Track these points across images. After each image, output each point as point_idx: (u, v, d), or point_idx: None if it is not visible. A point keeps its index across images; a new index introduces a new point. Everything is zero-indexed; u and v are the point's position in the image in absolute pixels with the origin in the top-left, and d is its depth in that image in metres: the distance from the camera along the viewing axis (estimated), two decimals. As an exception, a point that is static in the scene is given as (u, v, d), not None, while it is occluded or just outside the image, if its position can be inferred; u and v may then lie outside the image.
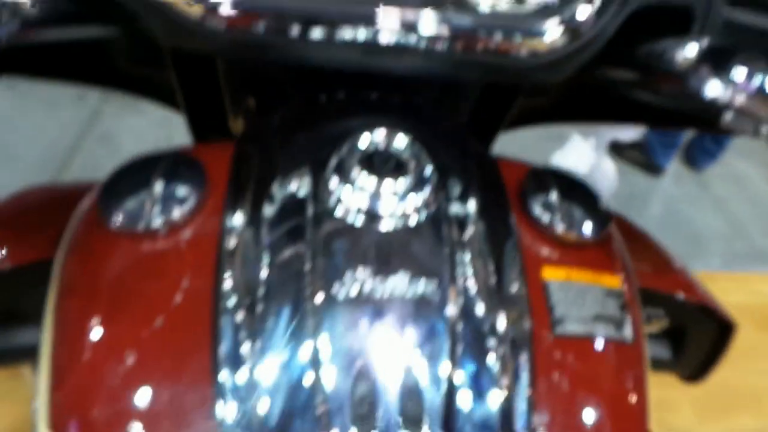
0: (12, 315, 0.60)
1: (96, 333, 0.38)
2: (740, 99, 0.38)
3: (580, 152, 2.04)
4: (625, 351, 0.43)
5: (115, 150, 1.99)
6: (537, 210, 0.46)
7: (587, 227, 0.46)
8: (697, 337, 0.69)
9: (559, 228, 0.45)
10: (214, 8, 0.38)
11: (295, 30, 0.39)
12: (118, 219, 0.41)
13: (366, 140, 0.44)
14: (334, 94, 0.51)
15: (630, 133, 2.07)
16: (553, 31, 0.40)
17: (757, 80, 0.37)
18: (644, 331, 0.47)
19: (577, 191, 0.49)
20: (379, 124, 0.45)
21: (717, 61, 0.39)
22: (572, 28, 0.40)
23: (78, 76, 0.61)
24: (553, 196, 0.47)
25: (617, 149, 2.36)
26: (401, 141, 0.44)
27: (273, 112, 0.52)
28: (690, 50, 0.41)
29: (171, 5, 0.38)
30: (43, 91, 2.14)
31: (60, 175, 1.88)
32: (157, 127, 1.87)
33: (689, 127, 0.58)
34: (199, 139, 0.67)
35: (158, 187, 0.42)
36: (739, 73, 0.38)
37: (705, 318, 0.66)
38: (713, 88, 0.39)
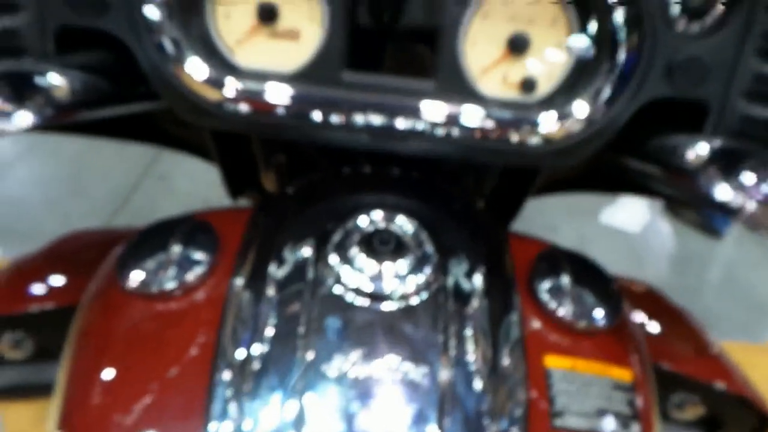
0: (49, 352, 0.65)
1: (100, 383, 0.41)
2: (750, 206, 0.36)
3: (632, 211, 1.98)
4: None
5: (171, 190, 2.11)
6: (544, 294, 0.45)
7: (597, 315, 0.44)
8: (734, 427, 0.64)
9: (567, 314, 0.44)
10: (232, 96, 0.41)
11: (310, 116, 0.41)
12: (133, 282, 0.44)
13: (366, 220, 0.45)
14: (356, 164, 0.54)
15: (686, 193, 2.00)
16: (555, 123, 0.41)
17: (765, 188, 0.36)
18: (659, 424, 0.44)
19: (589, 275, 0.47)
20: (385, 202, 0.46)
21: (727, 163, 0.38)
22: (577, 119, 0.40)
23: (120, 135, 0.65)
24: (563, 279, 0.46)
25: (673, 209, 2.28)
26: (402, 221, 0.45)
27: (299, 172, 0.55)
28: (701, 149, 0.39)
29: (190, 89, 0.41)
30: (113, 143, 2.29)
31: (120, 210, 2.01)
32: (210, 171, 1.97)
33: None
34: (234, 192, 0.71)
35: (174, 251, 0.45)
36: (748, 178, 0.37)
37: (743, 409, 0.62)
38: (722, 192, 0.37)
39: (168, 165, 2.19)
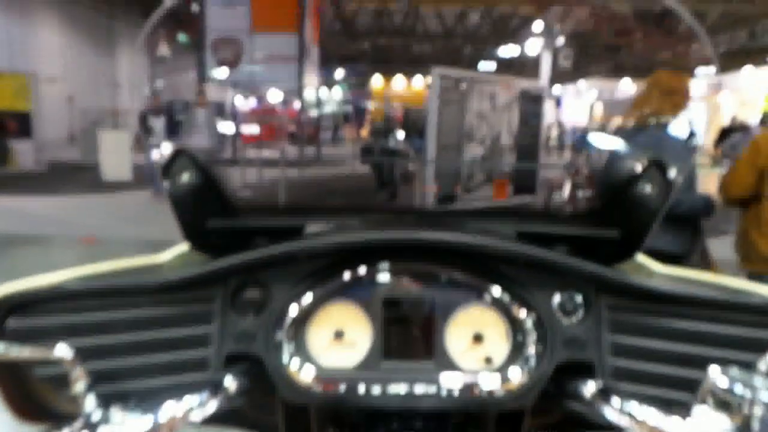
0: None
1: None
2: (624, 422, 0.60)
3: None
4: None
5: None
6: None
7: None
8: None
9: None
10: (317, 382, 0.69)
11: (359, 390, 0.69)
12: None
13: None
14: (387, 422, 0.76)
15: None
16: (510, 380, 0.69)
17: (627, 408, 0.60)
18: None
19: None
20: None
21: (605, 395, 0.63)
22: (521, 376, 0.70)
23: (216, 421, 0.84)
24: None
25: None
26: None
27: None
28: (589, 388, 0.65)
29: (294, 380, 0.69)
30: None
31: None
32: None
33: None
34: None
35: None
36: (618, 404, 0.61)
37: None
38: (609, 414, 0.62)
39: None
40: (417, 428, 0.75)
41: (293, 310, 0.70)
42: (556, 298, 0.72)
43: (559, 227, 0.77)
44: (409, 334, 0.71)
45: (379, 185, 9.35)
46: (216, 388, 0.64)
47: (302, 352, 0.70)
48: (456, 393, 0.68)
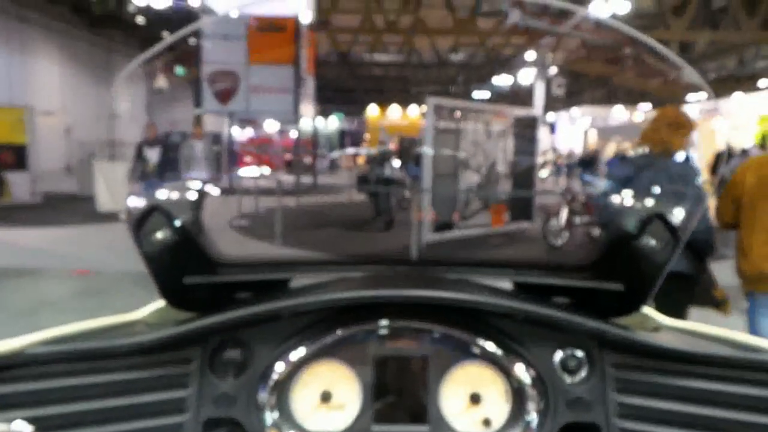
0: None
1: None
2: None
3: None
4: None
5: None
6: None
7: None
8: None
9: None
10: None
11: None
12: None
13: None
14: None
15: None
16: None
17: None
18: None
19: None
20: None
21: None
22: None
23: None
24: None
25: None
26: None
27: None
28: None
29: None
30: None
31: None
32: None
33: None
34: None
35: None
36: None
37: None
38: None
39: None
40: None
41: (277, 371, 0.65)
42: (558, 355, 0.68)
43: (559, 279, 0.73)
44: (401, 396, 0.67)
45: (376, 213, 9.33)
46: None
47: (286, 415, 0.66)
48: None
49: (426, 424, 0.66)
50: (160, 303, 0.75)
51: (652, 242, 0.68)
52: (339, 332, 0.67)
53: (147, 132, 8.67)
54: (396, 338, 0.68)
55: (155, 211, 0.67)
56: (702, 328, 0.76)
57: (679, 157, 2.61)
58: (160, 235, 0.68)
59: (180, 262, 0.70)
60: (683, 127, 2.58)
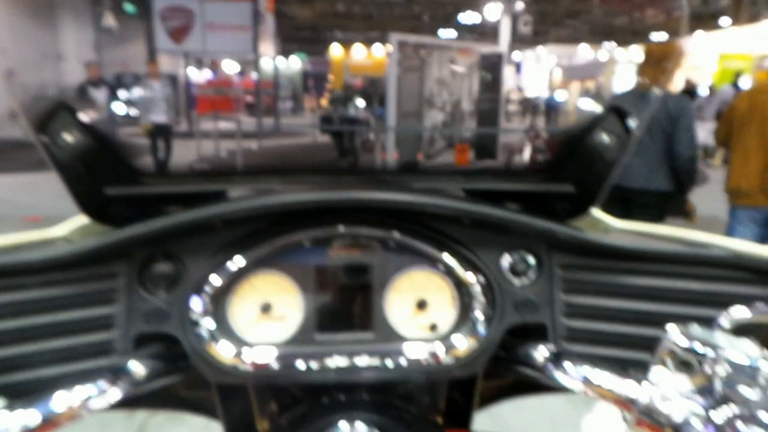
0: None
1: None
2: (578, 386, 0.55)
3: (608, 414, 2.15)
4: None
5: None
6: None
7: None
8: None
9: None
10: (244, 361, 0.61)
11: (296, 366, 0.61)
12: None
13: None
14: (330, 399, 0.69)
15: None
16: (456, 347, 0.63)
17: (581, 370, 0.55)
18: None
19: None
20: (351, 416, 0.61)
21: (557, 358, 0.58)
22: (469, 342, 0.63)
23: (138, 403, 0.78)
24: None
25: None
26: (361, 428, 0.59)
27: (286, 414, 0.70)
28: (541, 352, 0.60)
29: (217, 359, 0.61)
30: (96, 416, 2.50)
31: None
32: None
33: None
34: None
35: None
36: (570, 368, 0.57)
37: None
38: (560, 378, 0.57)
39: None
40: (363, 399, 0.68)
41: (212, 283, 0.61)
42: (506, 259, 0.66)
43: (509, 184, 0.70)
44: (344, 304, 0.64)
45: (340, 154, 9.21)
46: (122, 373, 0.56)
47: (224, 328, 0.62)
48: (399, 364, 0.62)
49: (370, 331, 0.64)
50: (83, 218, 0.69)
51: (603, 138, 0.65)
52: (277, 241, 0.62)
53: (89, 72, 8.08)
54: (338, 246, 0.64)
55: (63, 111, 0.59)
56: (652, 228, 0.74)
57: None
58: (69, 138, 0.60)
59: (99, 171, 0.63)
60: (667, 59, 2.79)
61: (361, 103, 9.58)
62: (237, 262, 0.61)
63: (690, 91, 9.28)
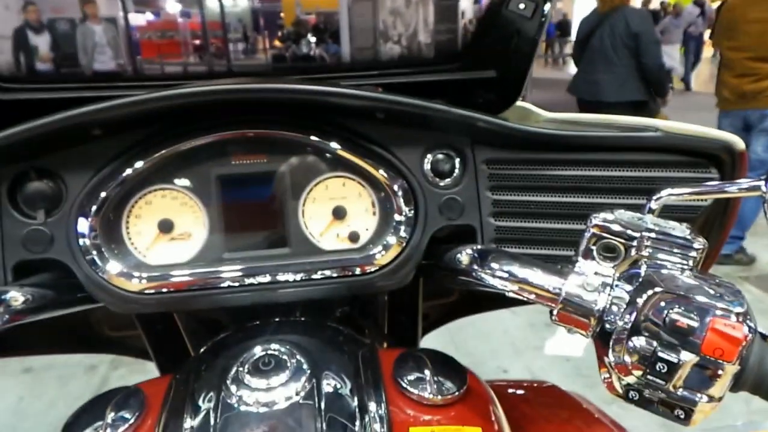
0: None
1: None
2: (505, 285, 0.51)
3: (571, 339, 2.23)
4: None
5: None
6: (404, 382, 0.53)
7: (445, 389, 0.53)
8: None
9: (422, 393, 0.53)
10: (147, 285, 0.56)
11: (206, 288, 0.57)
12: None
13: (254, 354, 0.55)
14: (257, 318, 0.63)
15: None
16: (379, 256, 0.60)
17: (507, 268, 0.52)
18: None
19: (439, 362, 0.59)
20: (272, 339, 0.57)
21: (483, 258, 0.54)
22: (392, 251, 0.60)
23: (65, 347, 0.76)
24: (419, 368, 0.57)
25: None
26: (281, 350, 0.55)
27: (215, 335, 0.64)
28: (468, 253, 0.56)
29: (116, 287, 0.56)
30: (58, 369, 2.44)
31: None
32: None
33: None
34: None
35: (110, 415, 0.52)
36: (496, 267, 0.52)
37: None
38: (486, 278, 0.53)
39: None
40: (284, 321, 0.63)
41: (99, 202, 0.54)
42: (428, 158, 0.61)
43: (429, 75, 0.64)
44: (254, 218, 0.58)
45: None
46: None
47: (120, 252, 0.56)
48: (319, 279, 0.58)
49: (286, 247, 0.58)
50: None
51: (517, 16, 0.59)
52: (171, 149, 0.55)
53: (27, 15, 7.41)
54: (241, 153, 0.58)
55: None
56: (588, 117, 0.70)
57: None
58: None
59: None
60: None
61: (312, 39, 9.21)
62: (127, 176, 0.54)
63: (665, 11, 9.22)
